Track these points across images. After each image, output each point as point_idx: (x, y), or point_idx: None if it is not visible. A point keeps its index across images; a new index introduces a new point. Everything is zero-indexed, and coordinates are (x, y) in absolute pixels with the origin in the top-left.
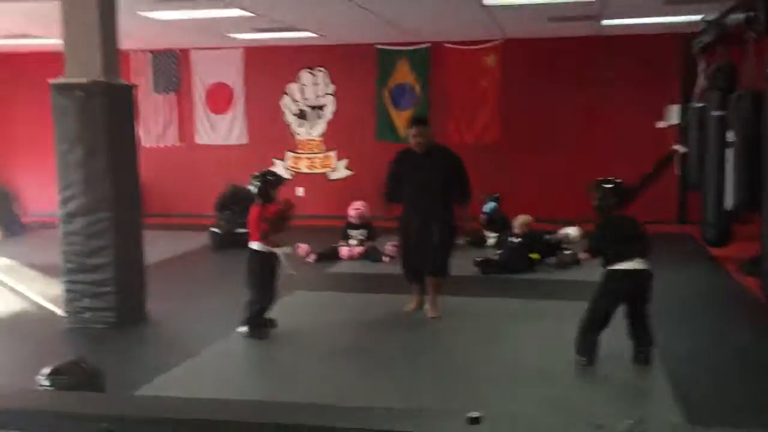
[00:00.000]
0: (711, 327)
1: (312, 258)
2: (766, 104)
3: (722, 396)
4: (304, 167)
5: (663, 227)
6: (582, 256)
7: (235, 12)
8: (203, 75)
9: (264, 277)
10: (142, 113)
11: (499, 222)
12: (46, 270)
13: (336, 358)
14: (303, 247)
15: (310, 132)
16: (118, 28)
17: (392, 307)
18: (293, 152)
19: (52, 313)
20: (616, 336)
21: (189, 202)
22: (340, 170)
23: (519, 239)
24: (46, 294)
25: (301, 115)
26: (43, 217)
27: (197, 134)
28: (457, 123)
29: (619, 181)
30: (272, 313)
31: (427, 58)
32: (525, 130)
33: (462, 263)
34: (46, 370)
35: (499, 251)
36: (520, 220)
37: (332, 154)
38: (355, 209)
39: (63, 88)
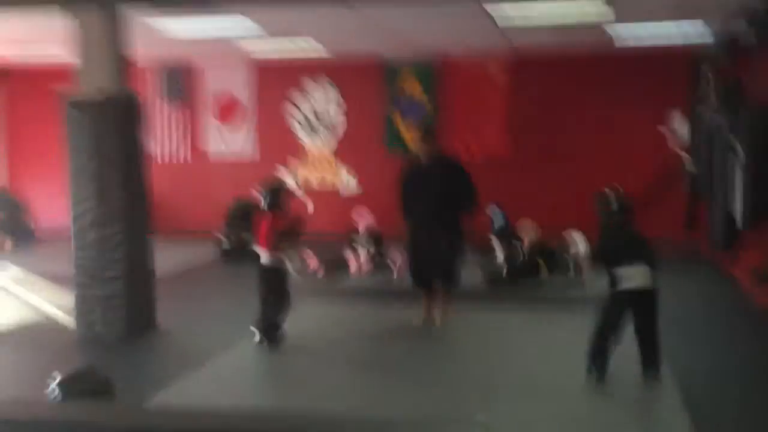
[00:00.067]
0: (720, 338)
1: (320, 270)
2: None
3: (733, 410)
4: (313, 181)
5: (671, 237)
6: (584, 267)
7: (246, 24)
8: (212, 87)
9: (275, 286)
10: (152, 126)
11: (506, 232)
12: (57, 280)
13: (345, 369)
14: (311, 260)
15: (320, 146)
16: (130, 41)
17: (400, 320)
18: (303, 167)
19: (63, 323)
20: (627, 351)
21: (199, 216)
22: (350, 186)
23: (526, 249)
24: (57, 304)
25: (311, 129)
26: (52, 227)
27: (206, 147)
28: (465, 135)
29: (622, 191)
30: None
31: (435, 71)
32: (532, 143)
33: (471, 275)
34: (58, 378)
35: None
36: (526, 228)
37: (341, 168)
38: (361, 219)
39: (75, 102)
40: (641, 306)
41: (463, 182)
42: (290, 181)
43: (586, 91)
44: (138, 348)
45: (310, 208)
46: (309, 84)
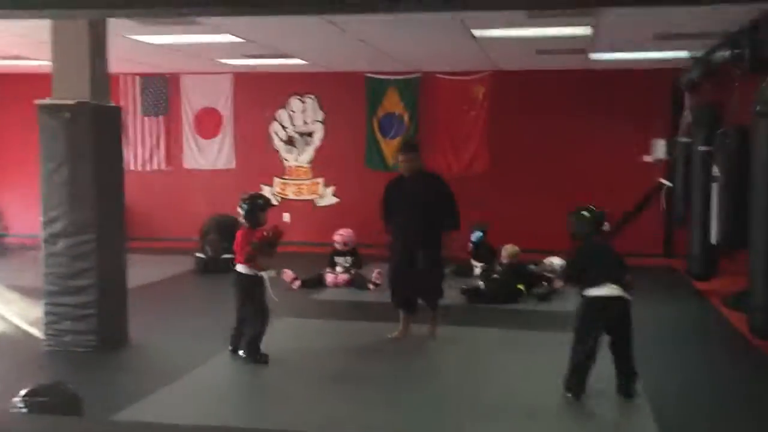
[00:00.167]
0: (697, 361)
1: (297, 285)
2: (752, 140)
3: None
4: (291, 193)
5: (649, 261)
6: (557, 284)
7: (226, 38)
8: (192, 99)
9: (255, 299)
10: (130, 136)
11: (486, 252)
12: (26, 292)
13: (321, 385)
14: (288, 273)
15: (298, 158)
16: (108, 50)
17: (378, 335)
18: (281, 178)
19: (32, 335)
20: (605, 370)
21: (175, 227)
22: (327, 197)
23: (505, 269)
24: (26, 316)
25: (290, 142)
26: (24, 238)
27: (185, 158)
28: (446, 153)
29: (596, 208)
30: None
31: (417, 88)
32: (513, 161)
33: (448, 292)
34: (23, 392)
35: (483, 281)
36: (507, 250)
37: (320, 180)
38: (340, 235)
39: (50, 109)
40: (613, 317)
41: (445, 199)
42: (268, 193)
43: (567, 111)
44: (109, 361)
45: (288, 219)
46: (290, 97)
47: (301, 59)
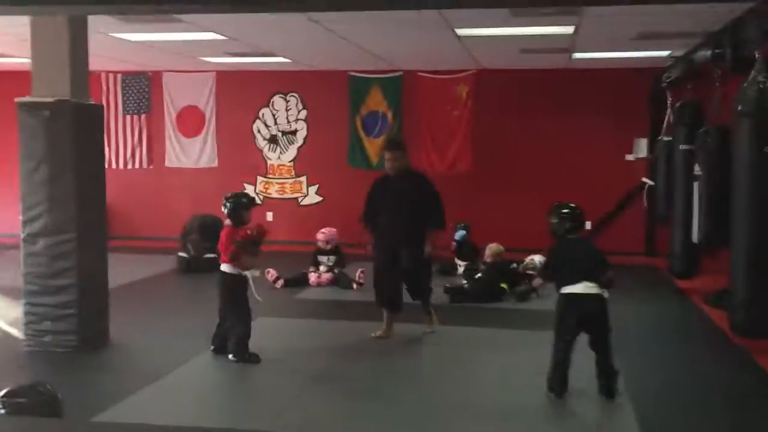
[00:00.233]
0: (678, 359)
1: (280, 284)
2: (732, 139)
3: (688, 430)
4: (274, 192)
5: (631, 259)
6: (535, 282)
7: (209, 35)
8: (174, 98)
9: (238, 299)
10: (112, 135)
11: (469, 251)
12: (6, 291)
13: (303, 385)
14: (271, 272)
15: (281, 157)
16: (88, 48)
17: (361, 334)
18: (264, 177)
19: (12, 335)
20: (587, 369)
21: (156, 226)
22: (310, 196)
23: (488, 268)
24: (5, 316)
25: (273, 140)
26: (3, 237)
27: (167, 157)
28: (429, 152)
29: (574, 206)
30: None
31: (400, 86)
32: (496, 160)
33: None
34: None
35: (467, 280)
36: (491, 249)
37: (303, 179)
38: (322, 233)
39: (30, 107)
40: (589, 315)
41: (430, 198)
42: (251, 192)
43: (551, 110)
44: (89, 361)
45: (271, 217)
46: (273, 95)
47: (284, 57)
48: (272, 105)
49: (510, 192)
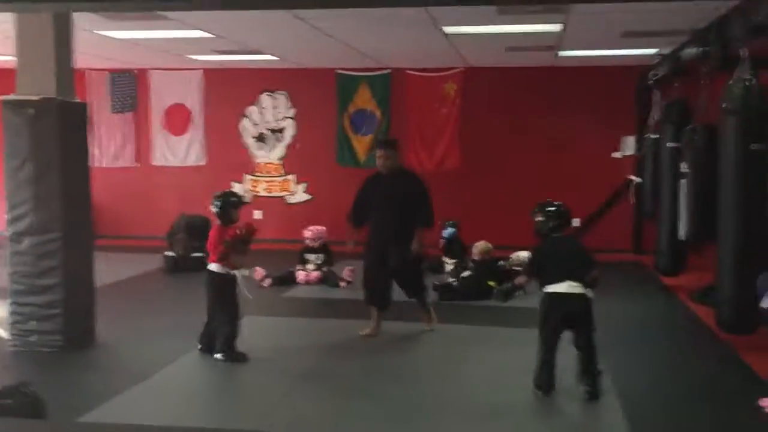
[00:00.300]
0: (665, 356)
1: (267, 282)
2: (719, 137)
3: (678, 429)
4: (262, 190)
5: (618, 256)
6: (518, 280)
7: (196, 33)
8: (161, 96)
9: (226, 298)
10: (98, 133)
11: (458, 248)
12: None
13: (291, 384)
14: (259, 271)
15: (269, 155)
16: (74, 45)
17: (349, 332)
18: (252, 175)
19: None
20: (575, 367)
21: (143, 224)
22: (298, 194)
23: (476, 265)
24: None
25: (261, 138)
26: None
27: (154, 155)
28: (417, 149)
29: (559, 204)
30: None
31: (388, 84)
32: (484, 158)
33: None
34: None
35: (455, 278)
36: (479, 247)
37: (291, 177)
38: (310, 231)
39: (14, 105)
40: (571, 314)
41: (420, 197)
42: (240, 190)
43: (538, 107)
44: (75, 361)
45: (259, 216)
46: (260, 93)
47: (272, 55)
48: (260, 103)
49: (498, 189)
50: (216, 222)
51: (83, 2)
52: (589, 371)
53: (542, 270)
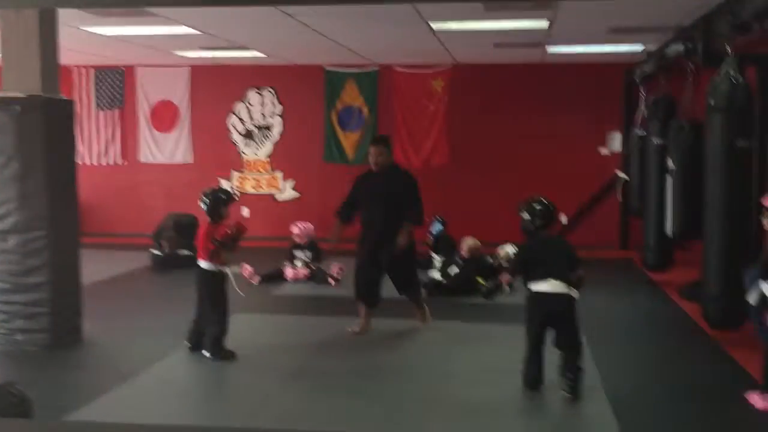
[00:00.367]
0: (652, 352)
1: (256, 280)
2: (705, 133)
3: (666, 425)
4: (250, 188)
5: (605, 252)
6: (503, 278)
7: (183, 29)
8: (148, 92)
9: (215, 296)
10: (85, 130)
11: (446, 244)
12: None
13: (280, 381)
14: (247, 268)
15: (257, 152)
16: (59, 42)
17: (338, 330)
18: (239, 172)
19: None
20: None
21: (130, 222)
22: (286, 191)
23: (464, 262)
24: None
25: (248, 135)
26: None
27: (141, 152)
28: (405, 146)
29: (546, 201)
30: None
31: (376, 81)
32: (472, 154)
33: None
34: None
35: (443, 274)
36: (468, 243)
37: (279, 174)
38: (297, 227)
39: None
40: (554, 313)
41: (411, 195)
42: (228, 187)
43: (526, 104)
44: (62, 360)
45: (246, 213)
46: (248, 90)
47: (259, 52)
48: (247, 100)
49: (485, 186)
50: (206, 219)
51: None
52: (570, 370)
53: (527, 268)
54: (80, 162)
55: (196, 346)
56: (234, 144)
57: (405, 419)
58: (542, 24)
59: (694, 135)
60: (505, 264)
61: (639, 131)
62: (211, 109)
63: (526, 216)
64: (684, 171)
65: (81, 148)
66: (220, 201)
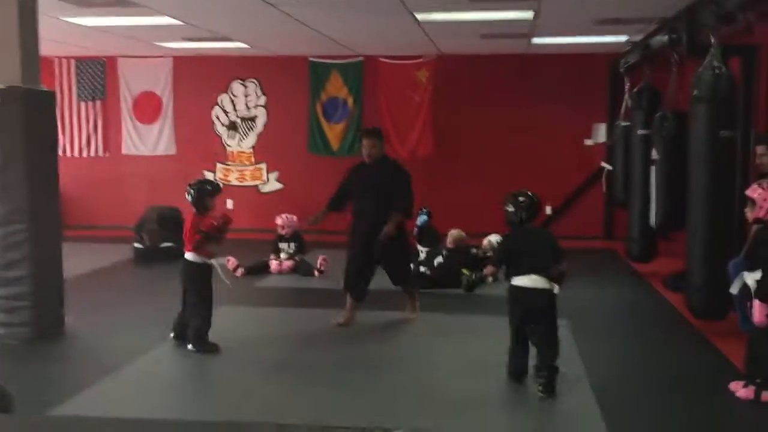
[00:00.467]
0: (637, 343)
1: (240, 272)
2: (689, 124)
3: (650, 416)
4: (234, 179)
5: (589, 243)
6: (487, 270)
7: (165, 20)
8: (130, 83)
9: (200, 288)
10: (66, 122)
11: (431, 236)
12: None
13: (264, 375)
14: (231, 261)
15: (241, 144)
16: (39, 32)
17: (323, 322)
18: (223, 164)
19: None
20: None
21: (113, 214)
22: (270, 183)
23: (449, 252)
24: None
25: (232, 127)
26: None
27: (123, 144)
28: (390, 137)
29: (531, 194)
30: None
31: (361, 72)
32: (457, 145)
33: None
34: None
35: (428, 266)
36: (453, 235)
37: (263, 166)
38: (281, 218)
39: None
40: (532, 308)
41: (401, 187)
42: (213, 179)
43: (511, 95)
44: (44, 353)
45: (231, 206)
46: (231, 81)
47: (242, 42)
48: (231, 91)
49: (471, 177)
50: (191, 211)
51: None
52: (545, 367)
53: (510, 261)
54: (62, 154)
55: (180, 336)
56: (218, 135)
57: (390, 411)
58: (527, 15)
59: (678, 125)
60: (489, 252)
61: (623, 122)
62: (195, 101)
63: (510, 208)
64: (667, 161)
65: (62, 139)
66: (206, 192)
